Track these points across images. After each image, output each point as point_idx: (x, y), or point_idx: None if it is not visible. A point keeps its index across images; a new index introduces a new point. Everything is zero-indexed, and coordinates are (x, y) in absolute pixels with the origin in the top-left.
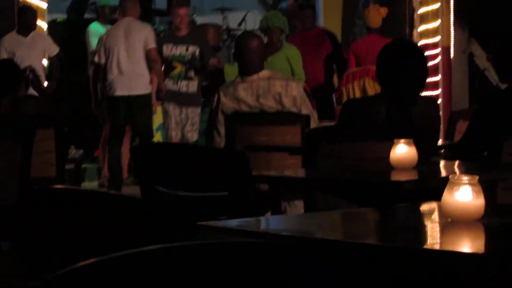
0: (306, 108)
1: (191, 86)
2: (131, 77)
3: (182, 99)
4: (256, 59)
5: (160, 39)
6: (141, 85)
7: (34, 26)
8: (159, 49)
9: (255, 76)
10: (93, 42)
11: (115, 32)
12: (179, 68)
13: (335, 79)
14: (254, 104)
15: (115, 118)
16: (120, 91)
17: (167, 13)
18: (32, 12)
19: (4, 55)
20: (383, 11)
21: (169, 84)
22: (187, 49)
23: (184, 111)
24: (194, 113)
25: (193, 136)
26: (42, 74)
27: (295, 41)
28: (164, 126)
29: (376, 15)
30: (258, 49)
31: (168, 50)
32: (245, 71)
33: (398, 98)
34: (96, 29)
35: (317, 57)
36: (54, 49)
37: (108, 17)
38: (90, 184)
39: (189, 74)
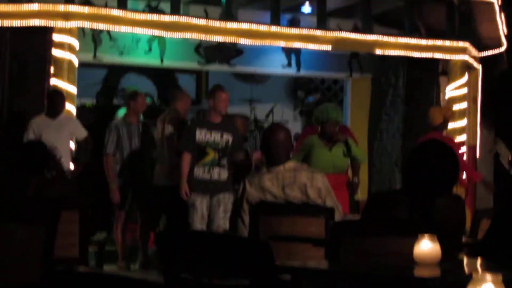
0: (331, 200)
1: (223, 173)
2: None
3: (213, 187)
4: (283, 150)
5: (193, 124)
6: None
7: (61, 109)
8: (192, 134)
9: (281, 167)
10: None
11: None
12: (211, 155)
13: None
14: (279, 194)
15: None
16: None
17: (195, 102)
18: (60, 96)
19: (32, 137)
20: (445, 110)
21: (199, 172)
22: (221, 136)
23: (215, 198)
24: (226, 199)
25: (225, 223)
26: (68, 157)
27: (310, 133)
28: (181, 217)
29: (438, 114)
30: (284, 141)
31: (202, 135)
32: (271, 162)
33: (419, 196)
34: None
35: None
36: (82, 133)
37: None
38: (112, 267)
39: (223, 162)
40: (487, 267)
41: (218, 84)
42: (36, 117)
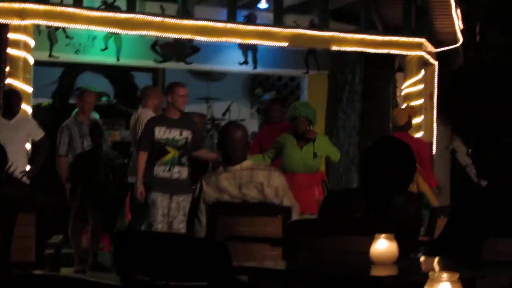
0: (288, 199)
1: (183, 172)
2: None
3: (173, 187)
4: (240, 149)
5: (151, 122)
6: None
7: (18, 109)
8: (150, 132)
9: (237, 166)
10: None
11: None
12: (172, 153)
13: None
14: (236, 194)
15: None
16: None
17: None
18: (17, 96)
19: None
20: (409, 109)
21: (159, 171)
22: (180, 133)
23: (175, 200)
24: (186, 202)
25: (185, 227)
26: (25, 158)
27: (266, 132)
28: (148, 219)
29: (402, 113)
30: (241, 139)
31: (161, 133)
32: (228, 160)
33: (376, 194)
34: None
35: None
36: (39, 134)
37: None
38: (69, 270)
39: (183, 160)
40: (444, 266)
41: (174, 82)
42: None
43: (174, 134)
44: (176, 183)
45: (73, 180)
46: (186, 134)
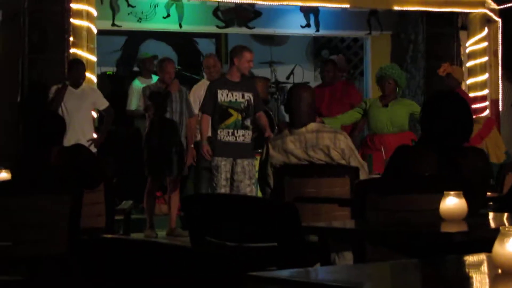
0: (355, 160)
1: (248, 136)
2: None
3: (238, 151)
4: (306, 112)
5: (213, 85)
6: None
7: (83, 78)
8: (212, 95)
9: (303, 129)
10: (132, 101)
11: None
12: (235, 116)
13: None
14: (303, 157)
15: None
16: None
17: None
18: (82, 66)
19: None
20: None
21: (223, 134)
22: (243, 96)
23: (239, 164)
24: (251, 166)
25: (252, 190)
26: (91, 126)
27: (318, 94)
28: (210, 183)
29: (461, 72)
30: (308, 102)
31: (224, 96)
32: (295, 123)
33: (447, 150)
34: (136, 86)
35: (343, 106)
36: (103, 103)
37: (149, 69)
38: (139, 235)
39: (246, 123)
40: None
41: (239, 46)
42: (58, 85)
43: (236, 96)
44: (241, 146)
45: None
46: (248, 96)
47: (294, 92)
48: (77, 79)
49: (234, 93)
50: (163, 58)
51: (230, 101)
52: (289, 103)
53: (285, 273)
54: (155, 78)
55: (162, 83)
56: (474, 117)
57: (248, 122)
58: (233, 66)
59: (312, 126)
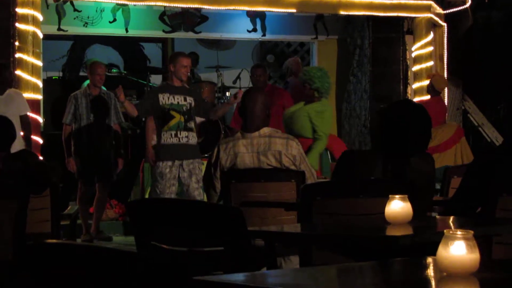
0: (305, 166)
1: (192, 137)
2: None
3: (183, 153)
4: (260, 116)
5: (154, 90)
6: None
7: (8, 84)
8: (155, 100)
9: (256, 133)
10: None
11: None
12: (177, 118)
13: None
14: (252, 161)
15: None
16: None
17: (161, 71)
18: (8, 70)
19: None
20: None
21: (166, 137)
22: (185, 99)
23: (186, 166)
24: (197, 168)
25: (200, 194)
26: (19, 132)
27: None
28: (152, 188)
29: (442, 80)
30: (263, 105)
31: (165, 99)
32: (247, 127)
33: (393, 154)
34: None
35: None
36: (23, 110)
37: None
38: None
39: (189, 125)
40: (458, 225)
41: (178, 52)
42: None
43: (178, 99)
44: (185, 147)
45: (75, 152)
46: (190, 100)
47: (249, 95)
48: (2, 84)
49: (176, 96)
50: (93, 61)
51: (172, 103)
52: (244, 106)
53: (232, 278)
54: None
55: (93, 86)
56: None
57: (191, 124)
58: (171, 73)
59: (264, 130)
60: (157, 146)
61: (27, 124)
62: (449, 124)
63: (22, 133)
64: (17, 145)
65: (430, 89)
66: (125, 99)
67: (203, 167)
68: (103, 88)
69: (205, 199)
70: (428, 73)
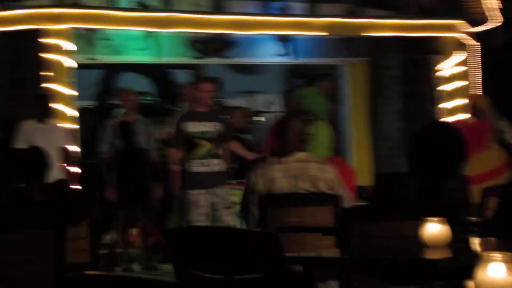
0: (342, 190)
1: (222, 164)
2: None
3: (214, 180)
4: (295, 140)
5: (181, 118)
6: None
7: (52, 114)
8: (184, 129)
9: (291, 158)
10: None
11: None
12: (207, 146)
13: None
14: (288, 186)
15: None
16: None
17: None
18: (49, 100)
19: (22, 142)
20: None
21: (195, 166)
22: (214, 126)
23: (219, 193)
24: (228, 194)
25: (229, 220)
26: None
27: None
28: (186, 217)
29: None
30: (298, 131)
31: (193, 127)
32: (283, 151)
33: (429, 177)
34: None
35: None
36: (65, 141)
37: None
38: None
39: (218, 151)
40: (497, 247)
41: (206, 76)
42: (27, 121)
43: (206, 126)
44: (216, 175)
45: (114, 180)
46: (218, 125)
47: (285, 119)
48: (46, 114)
49: (204, 123)
50: (123, 89)
51: (202, 131)
52: (280, 130)
53: None
54: None
55: (126, 114)
56: None
57: (220, 151)
58: (195, 99)
59: (300, 155)
60: (186, 175)
61: (68, 155)
62: (496, 149)
63: (64, 164)
64: (57, 176)
65: (474, 110)
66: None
67: (238, 192)
68: (139, 115)
69: (240, 225)
70: (465, 93)
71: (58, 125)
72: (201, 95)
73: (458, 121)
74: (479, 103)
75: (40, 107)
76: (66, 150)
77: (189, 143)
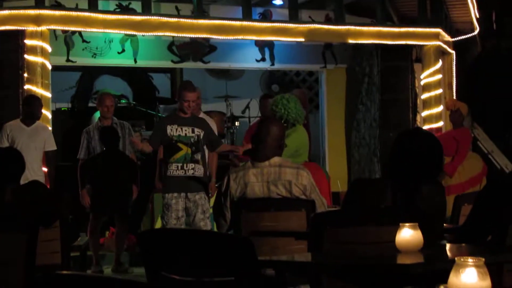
0: (316, 196)
1: (198, 169)
2: None
3: (189, 185)
4: (272, 145)
5: (163, 121)
6: None
7: (38, 116)
8: (163, 130)
9: (266, 162)
10: None
11: None
12: (184, 151)
13: None
14: (262, 190)
15: None
16: None
17: (170, 101)
18: (38, 102)
19: (5, 142)
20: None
21: (172, 169)
22: (192, 131)
23: (191, 199)
24: (203, 200)
25: (206, 224)
26: (40, 165)
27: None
28: (162, 220)
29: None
30: (276, 135)
31: (173, 131)
32: (259, 156)
33: (403, 184)
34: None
35: None
36: (52, 145)
37: None
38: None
39: (196, 157)
40: (469, 252)
41: (185, 83)
42: (11, 121)
43: (186, 131)
44: (191, 180)
45: (90, 184)
46: (198, 131)
47: (263, 124)
48: (33, 116)
49: (184, 128)
50: (102, 93)
51: (179, 135)
52: (257, 135)
53: None
54: None
55: (103, 118)
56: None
57: (198, 157)
58: (178, 106)
59: (275, 160)
60: (163, 178)
61: (52, 161)
62: (475, 157)
63: (45, 169)
64: (36, 178)
65: (456, 117)
66: (141, 143)
67: (212, 198)
68: (115, 118)
69: (214, 229)
70: (441, 102)
71: (44, 129)
72: (184, 103)
73: (437, 130)
74: (462, 110)
75: (28, 109)
76: (53, 156)
77: (168, 146)
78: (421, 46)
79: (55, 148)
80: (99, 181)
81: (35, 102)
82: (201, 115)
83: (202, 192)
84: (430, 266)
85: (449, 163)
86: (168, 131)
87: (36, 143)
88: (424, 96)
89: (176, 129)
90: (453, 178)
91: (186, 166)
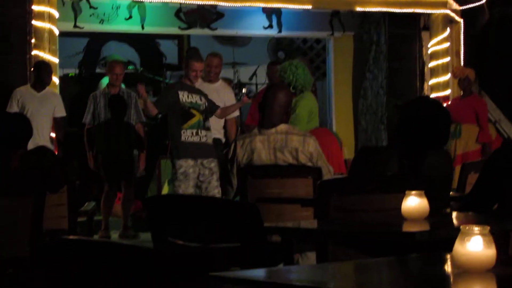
0: (322, 163)
1: (209, 136)
2: None
3: (203, 151)
4: (279, 112)
5: (174, 86)
6: None
7: (48, 82)
8: (175, 97)
9: (273, 130)
10: None
11: None
12: (197, 117)
13: None
14: (269, 157)
15: None
16: None
17: (178, 67)
18: (48, 68)
19: (15, 108)
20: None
21: (187, 135)
22: (201, 99)
23: (207, 165)
24: (216, 167)
25: (219, 192)
26: (49, 130)
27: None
28: (175, 186)
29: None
30: (282, 102)
31: (185, 97)
32: (265, 122)
33: (410, 151)
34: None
35: None
36: (61, 112)
37: None
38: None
39: (207, 124)
40: (475, 220)
41: (192, 52)
42: (20, 87)
43: (196, 98)
44: (205, 146)
45: (94, 150)
46: (204, 99)
47: (270, 91)
48: (43, 81)
49: (194, 95)
50: (112, 60)
51: (191, 102)
52: (263, 102)
53: (248, 273)
54: None
55: (112, 85)
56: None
57: (208, 124)
58: (185, 74)
59: (281, 127)
60: (176, 144)
61: (61, 127)
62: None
63: (53, 135)
64: (44, 144)
65: (466, 85)
66: (147, 96)
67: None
68: (123, 86)
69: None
70: (449, 70)
71: (55, 95)
72: (191, 73)
73: (444, 98)
74: (471, 76)
75: (38, 74)
76: (62, 123)
77: (181, 112)
78: (428, 14)
79: (64, 114)
80: (104, 149)
81: (45, 68)
82: (219, 82)
83: (216, 159)
84: (435, 234)
85: (480, 133)
86: (181, 97)
87: (46, 109)
88: (432, 64)
89: (188, 96)
90: (461, 147)
91: (200, 133)
